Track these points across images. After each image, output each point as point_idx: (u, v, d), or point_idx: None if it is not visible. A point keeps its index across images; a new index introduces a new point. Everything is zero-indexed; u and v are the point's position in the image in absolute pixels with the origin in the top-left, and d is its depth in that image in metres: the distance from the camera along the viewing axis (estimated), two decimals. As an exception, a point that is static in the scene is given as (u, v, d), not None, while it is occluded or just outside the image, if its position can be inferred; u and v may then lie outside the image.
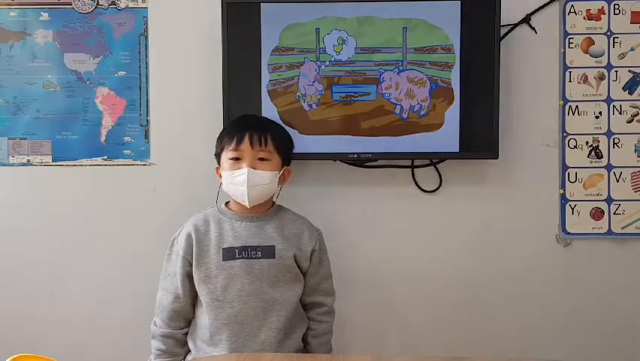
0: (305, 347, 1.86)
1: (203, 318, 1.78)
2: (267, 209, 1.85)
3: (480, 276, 2.10)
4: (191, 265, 1.78)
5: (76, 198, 2.11)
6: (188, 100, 2.08)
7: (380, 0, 1.96)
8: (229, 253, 1.76)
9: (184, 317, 1.81)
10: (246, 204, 1.77)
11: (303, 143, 1.97)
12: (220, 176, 1.84)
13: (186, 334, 1.82)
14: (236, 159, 1.78)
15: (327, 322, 1.88)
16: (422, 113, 1.99)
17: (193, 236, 1.79)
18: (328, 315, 1.89)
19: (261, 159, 1.78)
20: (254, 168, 1.76)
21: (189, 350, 1.82)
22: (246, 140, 1.77)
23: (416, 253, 2.10)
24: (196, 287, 1.79)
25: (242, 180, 1.75)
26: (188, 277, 1.79)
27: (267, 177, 1.78)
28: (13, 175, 2.10)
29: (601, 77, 2.06)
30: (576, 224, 2.08)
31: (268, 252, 1.77)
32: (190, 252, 1.78)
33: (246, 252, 1.76)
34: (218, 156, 1.85)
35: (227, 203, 1.88)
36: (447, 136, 1.98)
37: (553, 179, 2.08)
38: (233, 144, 1.78)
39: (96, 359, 2.12)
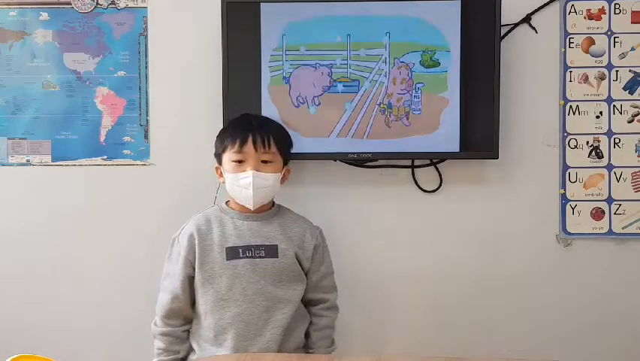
0: (307, 342, 1.86)
1: (207, 318, 1.78)
2: (268, 208, 1.85)
3: (480, 276, 2.10)
4: (193, 265, 1.78)
5: (75, 198, 2.10)
6: (188, 100, 2.08)
7: (380, 0, 1.96)
8: (233, 253, 1.76)
9: (182, 315, 1.81)
10: (251, 207, 1.77)
11: (303, 143, 1.96)
12: (220, 175, 1.83)
13: (185, 331, 1.82)
14: (240, 161, 1.77)
15: (329, 316, 1.88)
16: (422, 113, 1.98)
17: (195, 236, 1.78)
18: (330, 310, 1.89)
19: (264, 161, 1.77)
20: (257, 171, 1.75)
21: (191, 350, 1.82)
22: (250, 142, 1.76)
23: (416, 253, 2.10)
24: (199, 287, 1.78)
25: (247, 183, 1.74)
26: (189, 277, 1.78)
27: (271, 180, 1.77)
28: (13, 175, 2.10)
29: (601, 77, 2.05)
30: (577, 224, 2.07)
31: (271, 251, 1.77)
32: (193, 252, 1.77)
33: (249, 251, 1.76)
34: (219, 156, 1.84)
35: (227, 202, 1.87)
36: (447, 136, 1.98)
37: (553, 179, 2.08)
38: (236, 146, 1.76)
39: (95, 359, 2.12)
